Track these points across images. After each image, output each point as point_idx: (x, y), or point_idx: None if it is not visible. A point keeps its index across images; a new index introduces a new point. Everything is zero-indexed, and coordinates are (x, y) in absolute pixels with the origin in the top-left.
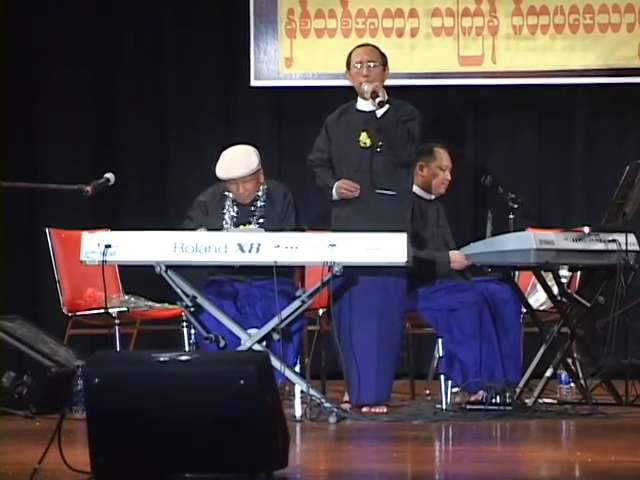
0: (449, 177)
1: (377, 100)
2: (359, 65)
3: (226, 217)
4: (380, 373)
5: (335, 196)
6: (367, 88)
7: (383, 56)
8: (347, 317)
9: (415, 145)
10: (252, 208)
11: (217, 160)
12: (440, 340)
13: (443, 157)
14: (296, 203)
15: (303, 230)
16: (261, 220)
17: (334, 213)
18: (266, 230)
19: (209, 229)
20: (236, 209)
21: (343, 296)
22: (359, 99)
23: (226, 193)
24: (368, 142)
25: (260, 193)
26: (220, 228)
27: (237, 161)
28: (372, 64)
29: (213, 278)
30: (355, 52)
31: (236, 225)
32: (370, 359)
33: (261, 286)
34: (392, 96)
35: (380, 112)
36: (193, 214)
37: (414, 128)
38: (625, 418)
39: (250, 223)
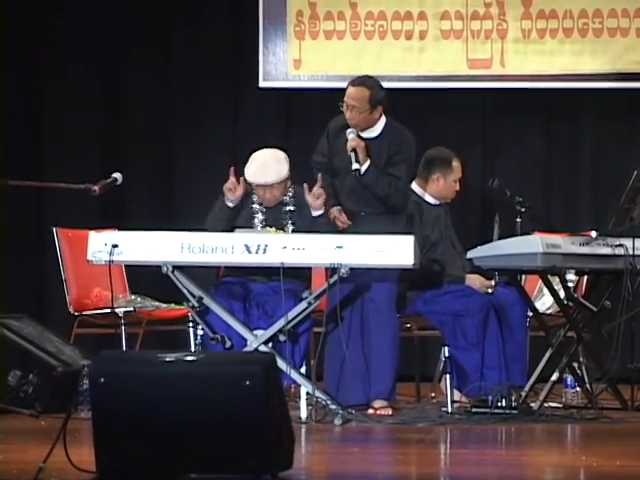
0: (458, 187)
1: (353, 163)
2: (346, 105)
3: (255, 221)
4: (361, 372)
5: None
6: (349, 143)
7: (374, 95)
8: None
9: (403, 191)
10: (283, 212)
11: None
12: (446, 348)
13: (460, 170)
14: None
15: None
16: (292, 224)
17: None
18: None
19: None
20: (264, 212)
21: (334, 299)
22: None
23: (253, 195)
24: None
25: (288, 198)
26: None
27: (268, 167)
28: (355, 110)
29: (226, 279)
30: (348, 88)
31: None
32: (355, 360)
33: (276, 286)
34: (389, 118)
35: (358, 172)
36: None
37: (399, 174)
38: (630, 423)
39: (277, 226)
